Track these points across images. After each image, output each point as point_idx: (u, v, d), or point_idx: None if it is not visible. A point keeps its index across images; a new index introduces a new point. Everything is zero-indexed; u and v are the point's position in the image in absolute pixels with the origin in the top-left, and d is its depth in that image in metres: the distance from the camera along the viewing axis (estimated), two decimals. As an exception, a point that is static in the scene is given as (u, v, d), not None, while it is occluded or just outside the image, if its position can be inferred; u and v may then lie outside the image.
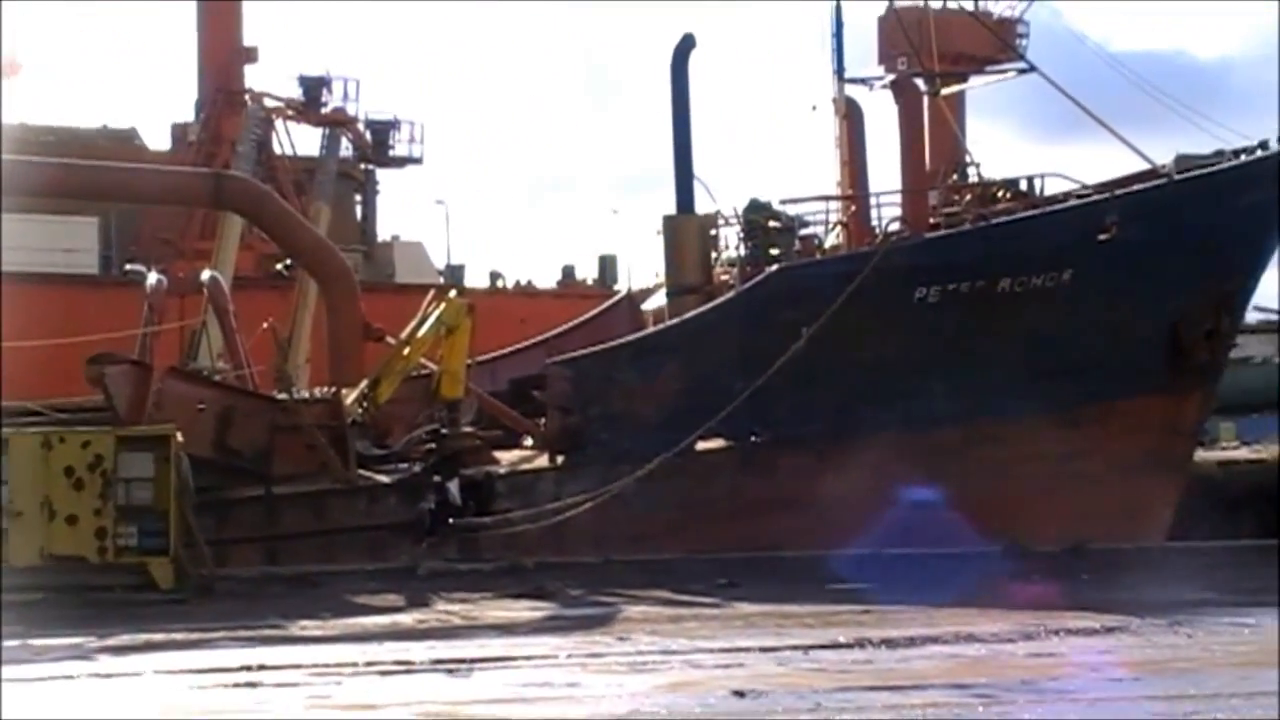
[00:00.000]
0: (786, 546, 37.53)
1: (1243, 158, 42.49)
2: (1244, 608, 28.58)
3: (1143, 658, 22.81)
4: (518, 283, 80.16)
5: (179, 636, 25.95)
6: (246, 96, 70.61)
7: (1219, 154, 42.79)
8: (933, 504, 37.50)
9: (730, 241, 44.33)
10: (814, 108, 49.85)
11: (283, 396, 40.86)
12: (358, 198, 76.39)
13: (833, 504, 39.10)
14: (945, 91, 62.25)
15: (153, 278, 45.10)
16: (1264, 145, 42.48)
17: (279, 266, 61.14)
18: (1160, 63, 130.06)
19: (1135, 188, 42.13)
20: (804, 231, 45.02)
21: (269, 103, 70.10)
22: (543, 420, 41.85)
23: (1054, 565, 34.73)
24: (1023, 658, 22.99)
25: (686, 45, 44.99)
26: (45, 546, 32.74)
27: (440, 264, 79.18)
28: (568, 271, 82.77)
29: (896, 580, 32.02)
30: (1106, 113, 44.20)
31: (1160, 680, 20.54)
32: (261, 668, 22.28)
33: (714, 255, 44.21)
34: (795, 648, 23.76)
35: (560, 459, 40.77)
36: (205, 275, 46.18)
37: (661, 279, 45.10)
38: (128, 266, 59.86)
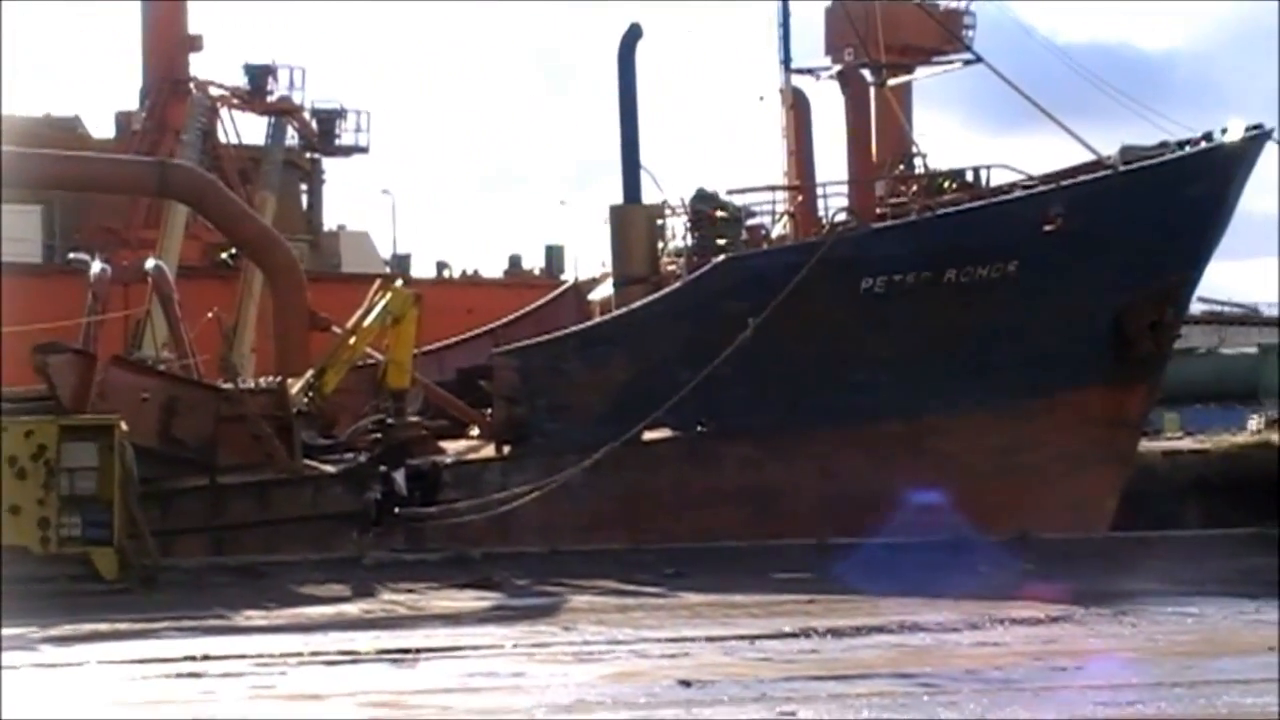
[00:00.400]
0: (733, 537, 37.59)
1: (1187, 149, 42.67)
2: (1188, 597, 28.76)
3: (1086, 646, 22.92)
4: (464, 273, 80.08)
5: (123, 627, 25.87)
6: (191, 85, 70.42)
7: (1163, 145, 42.98)
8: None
9: (677, 231, 44.34)
10: (761, 98, 49.97)
11: (228, 386, 40.75)
12: (303, 187, 76.23)
13: (779, 494, 39.27)
14: (892, 82, 62.41)
15: (97, 266, 44.92)
16: (1208, 137, 42.67)
17: (224, 256, 60.95)
18: (1107, 55, 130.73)
19: (1080, 179, 42.27)
20: (751, 222, 45.02)
21: (214, 91, 69.95)
22: (489, 410, 41.82)
23: (1000, 555, 34.85)
24: (967, 647, 23.08)
25: (633, 35, 45.04)
26: (-12, 536, 32.64)
27: (386, 254, 79.16)
28: (515, 261, 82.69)
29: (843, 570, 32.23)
30: (1054, 104, 44.40)
31: (1104, 669, 20.61)
32: (206, 658, 22.23)
33: (661, 245, 44.24)
34: (741, 637, 23.81)
35: (506, 449, 40.75)
36: (150, 264, 45.99)
37: (608, 269, 45.13)
38: (71, 255, 59.56)
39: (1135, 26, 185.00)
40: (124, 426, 33.91)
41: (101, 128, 73.66)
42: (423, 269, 77.48)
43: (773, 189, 46.42)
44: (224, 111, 69.88)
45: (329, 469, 38.89)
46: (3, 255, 58.01)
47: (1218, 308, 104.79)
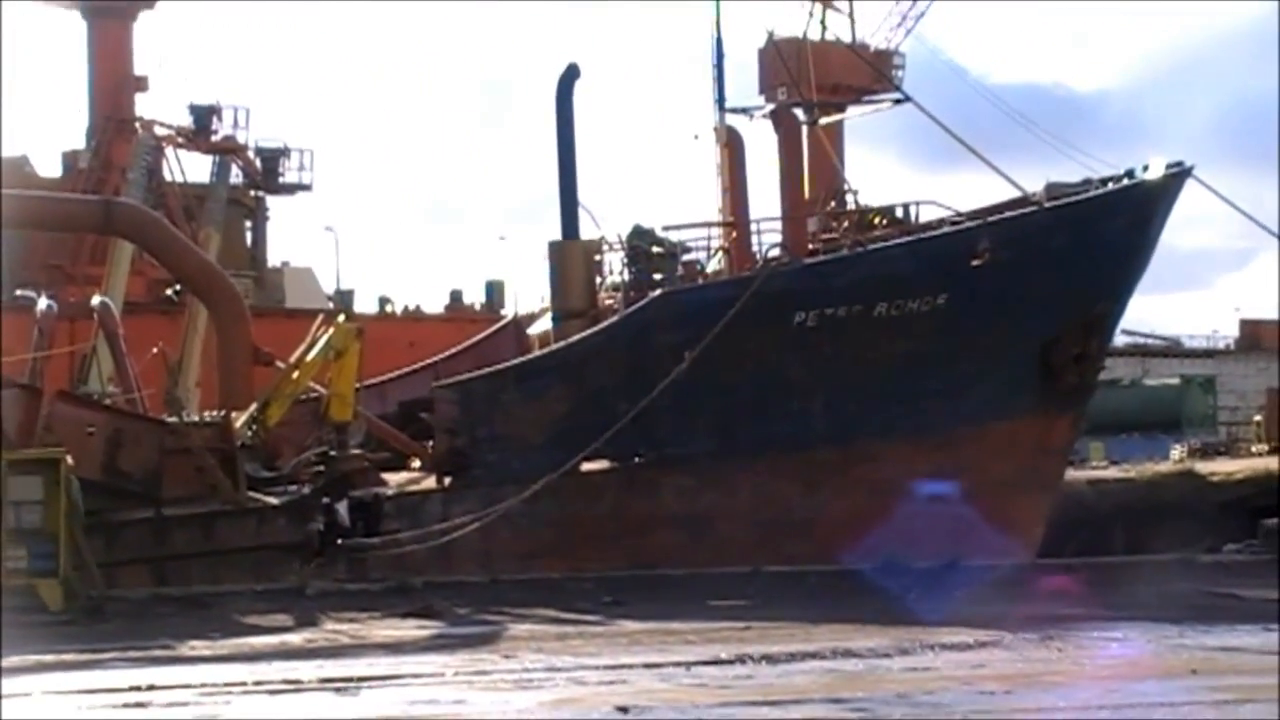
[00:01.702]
0: (670, 564, 37.58)
1: (1110, 185, 42.89)
2: (1113, 622, 28.82)
3: (1014, 671, 22.95)
4: (406, 308, 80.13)
5: (69, 657, 25.72)
6: (137, 124, 70.33)
7: (1087, 182, 43.18)
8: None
9: (614, 267, 44.36)
10: (696, 136, 50.03)
11: (172, 420, 40.71)
12: (248, 224, 76.16)
13: (714, 521, 39.28)
14: (824, 121, 62.62)
15: (43, 303, 44.83)
16: (1130, 174, 42.91)
17: (169, 291, 60.76)
18: (1040, 95, 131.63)
19: (1006, 215, 42.44)
20: (686, 257, 45.05)
21: (159, 130, 69.81)
22: (430, 442, 41.78)
23: (930, 579, 34.90)
24: (898, 672, 23.08)
25: (571, 75, 45.10)
26: (-66, 569, 32.47)
27: (330, 289, 79.07)
28: (456, 296, 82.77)
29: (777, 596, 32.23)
30: (983, 142, 44.59)
31: (1031, 693, 20.66)
32: (151, 688, 22.13)
33: (598, 280, 44.25)
34: (678, 664, 23.77)
35: (447, 480, 40.72)
36: (96, 300, 45.92)
37: (547, 303, 45.17)
38: (18, 291, 59.38)
39: (1068, 67, 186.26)
40: (70, 460, 33.77)
41: (49, 166, 73.58)
42: (365, 304, 77.60)
43: (708, 225, 46.46)
44: (169, 150, 69.78)
45: (272, 500, 38.79)
46: None
47: (1141, 340, 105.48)
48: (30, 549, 32.86)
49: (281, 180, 76.92)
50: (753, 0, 73.84)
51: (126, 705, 20.77)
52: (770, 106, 63.68)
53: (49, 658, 25.72)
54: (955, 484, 38.60)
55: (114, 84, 73.75)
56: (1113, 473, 62.10)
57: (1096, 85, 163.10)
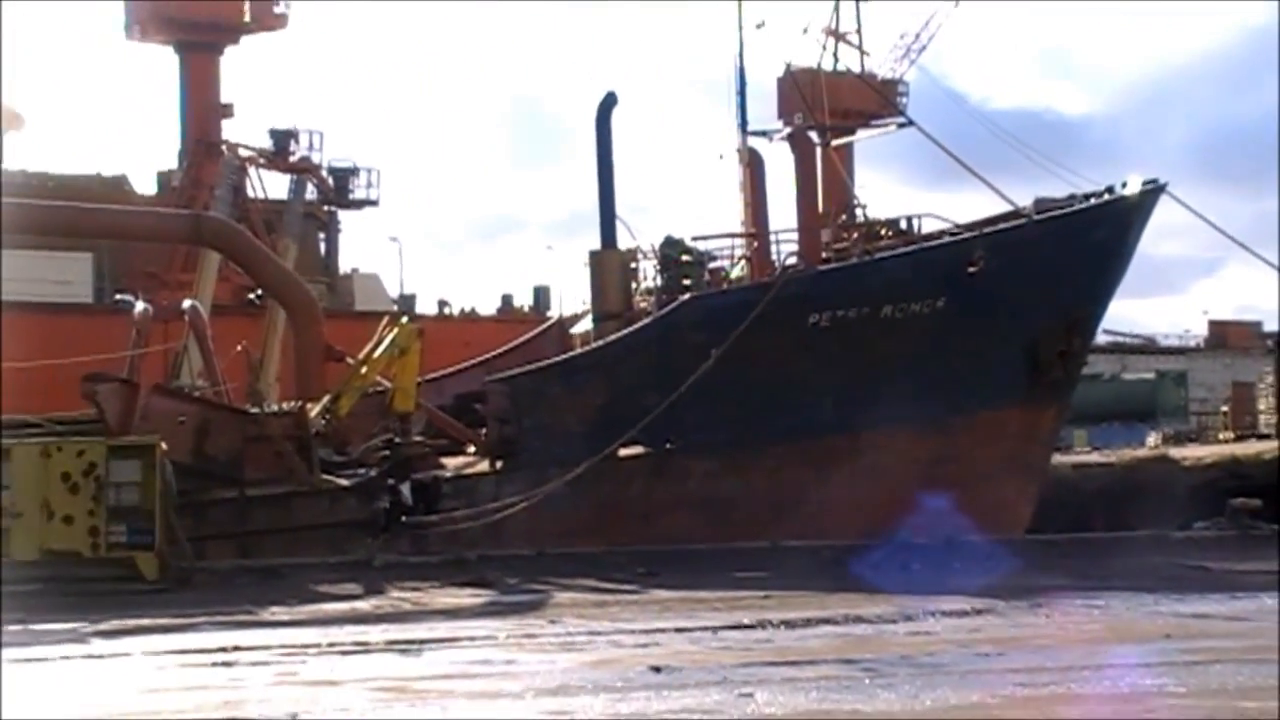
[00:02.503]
0: (696, 540, 37.55)
1: (1092, 200, 42.85)
2: (1095, 592, 28.78)
3: (1007, 635, 22.92)
4: (462, 310, 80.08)
5: (163, 622, 25.81)
6: (223, 147, 70.33)
7: (1072, 198, 43.14)
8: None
9: (648, 273, 44.40)
10: (721, 156, 50.13)
11: (254, 410, 40.71)
12: (321, 235, 76.18)
13: (736, 502, 39.25)
14: (836, 143, 62.65)
15: (140, 306, 44.81)
16: (1110, 190, 42.88)
17: (251, 296, 60.86)
18: (1031, 119, 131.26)
19: (999, 227, 42.39)
20: (713, 265, 45.12)
21: (243, 152, 69.72)
22: (483, 430, 41.78)
23: (930, 554, 34.85)
24: (903, 636, 23.06)
25: (609, 103, 45.11)
26: (44, 543, 32.60)
27: (394, 293, 79.06)
28: (506, 300, 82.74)
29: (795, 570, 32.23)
30: (979, 162, 44.58)
31: (1022, 655, 20.63)
32: (236, 649, 22.17)
33: (634, 285, 44.28)
34: (705, 629, 23.78)
35: (498, 464, 40.70)
36: (186, 304, 45.95)
37: (588, 306, 45.12)
38: (118, 296, 59.43)
39: (1058, 94, 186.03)
40: (163, 446, 33.88)
41: (145, 185, 73.70)
42: (426, 307, 77.51)
43: (731, 236, 46.54)
44: (252, 170, 69.65)
45: (343, 482, 38.80)
46: (17, 296, 57.82)
47: (1120, 338, 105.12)
48: (129, 525, 32.97)
49: (351, 197, 76.96)
50: (772, 34, 73.52)
51: (215, 664, 20.83)
52: (788, 130, 63.81)
53: (146, 621, 25.83)
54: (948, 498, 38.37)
55: (203, 111, 73.87)
56: (1094, 458, 61.99)
57: (1082, 110, 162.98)
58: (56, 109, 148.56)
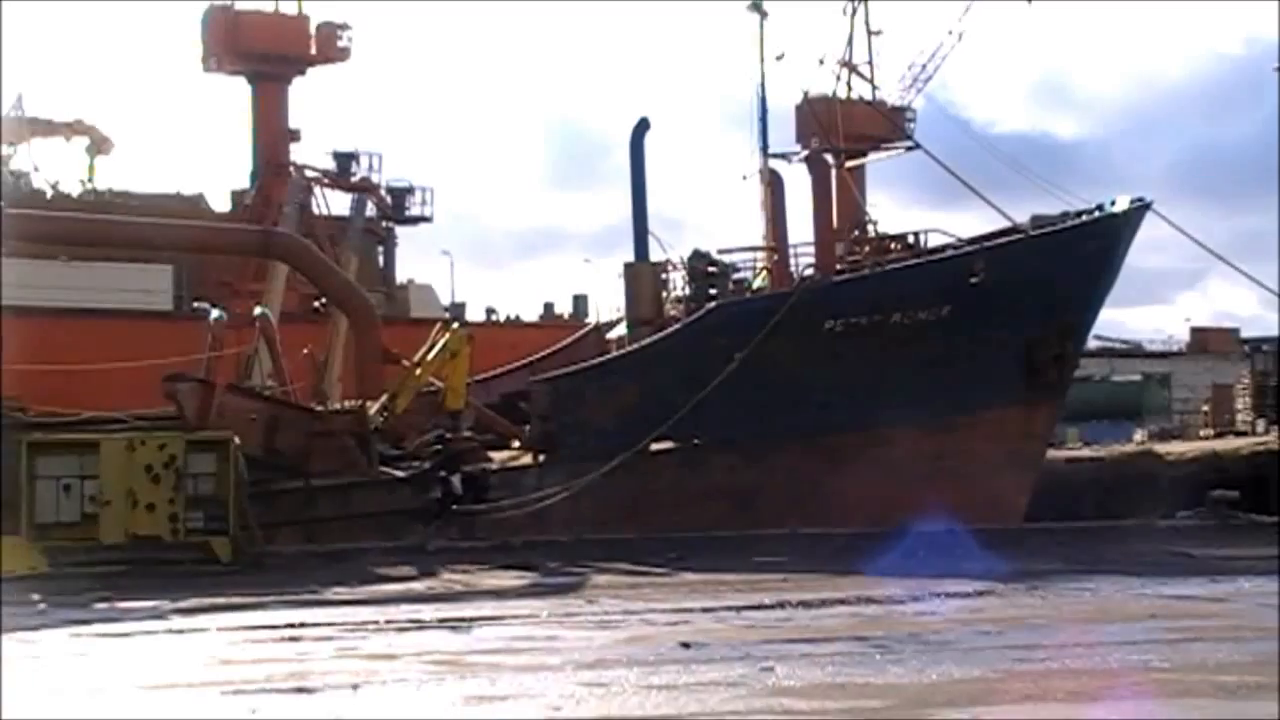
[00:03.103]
0: (721, 527, 37.53)
1: (1083, 217, 42.77)
2: (1086, 575, 28.70)
3: (1006, 615, 22.86)
4: (508, 317, 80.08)
5: (236, 600, 25.86)
6: (291, 169, 70.49)
7: (1065, 214, 43.06)
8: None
9: (677, 283, 44.42)
10: (744, 177, 50.12)
11: (319, 408, 40.86)
12: (380, 249, 76.11)
13: (757, 493, 39.22)
14: (849, 164, 62.64)
15: (215, 313, 44.98)
16: (1100, 208, 42.81)
17: (316, 304, 60.81)
18: (1028, 142, 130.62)
19: (998, 241, 42.35)
20: (737, 276, 45.12)
21: (309, 174, 70.00)
22: (527, 427, 41.83)
23: (935, 541, 34.76)
24: (911, 615, 23.02)
25: (641, 128, 45.21)
26: (129, 528, 32.71)
27: (446, 302, 79.05)
28: (548, 307, 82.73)
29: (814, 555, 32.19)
30: (983, 182, 44.59)
31: (1020, 633, 20.59)
32: (302, 625, 22.23)
33: (664, 294, 44.31)
34: (730, 608, 23.75)
35: (540, 458, 40.76)
36: (257, 311, 46.05)
37: (622, 313, 45.19)
38: (195, 304, 59.57)
39: (1053, 119, 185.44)
40: (236, 440, 33.98)
41: (220, 203, 73.83)
42: (475, 314, 77.47)
43: (754, 249, 46.53)
44: (317, 189, 69.91)
45: (399, 474, 38.86)
46: (106, 304, 57.95)
47: (1109, 343, 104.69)
48: (205, 512, 33.07)
49: (407, 213, 76.91)
50: (791, 66, 73.45)
51: (283, 639, 20.87)
52: (805, 153, 63.73)
53: (220, 600, 25.88)
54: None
55: (272, 136, 73.94)
56: (1085, 453, 61.75)
57: (1075, 135, 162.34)
58: (141, 134, 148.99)
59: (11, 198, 53.50)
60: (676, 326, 42.01)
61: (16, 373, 40.19)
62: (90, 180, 73.14)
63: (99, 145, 74.82)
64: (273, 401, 40.47)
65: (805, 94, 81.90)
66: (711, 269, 44.52)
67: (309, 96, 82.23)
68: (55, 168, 73.43)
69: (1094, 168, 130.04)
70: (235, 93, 76.11)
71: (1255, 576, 28.14)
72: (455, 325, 42.94)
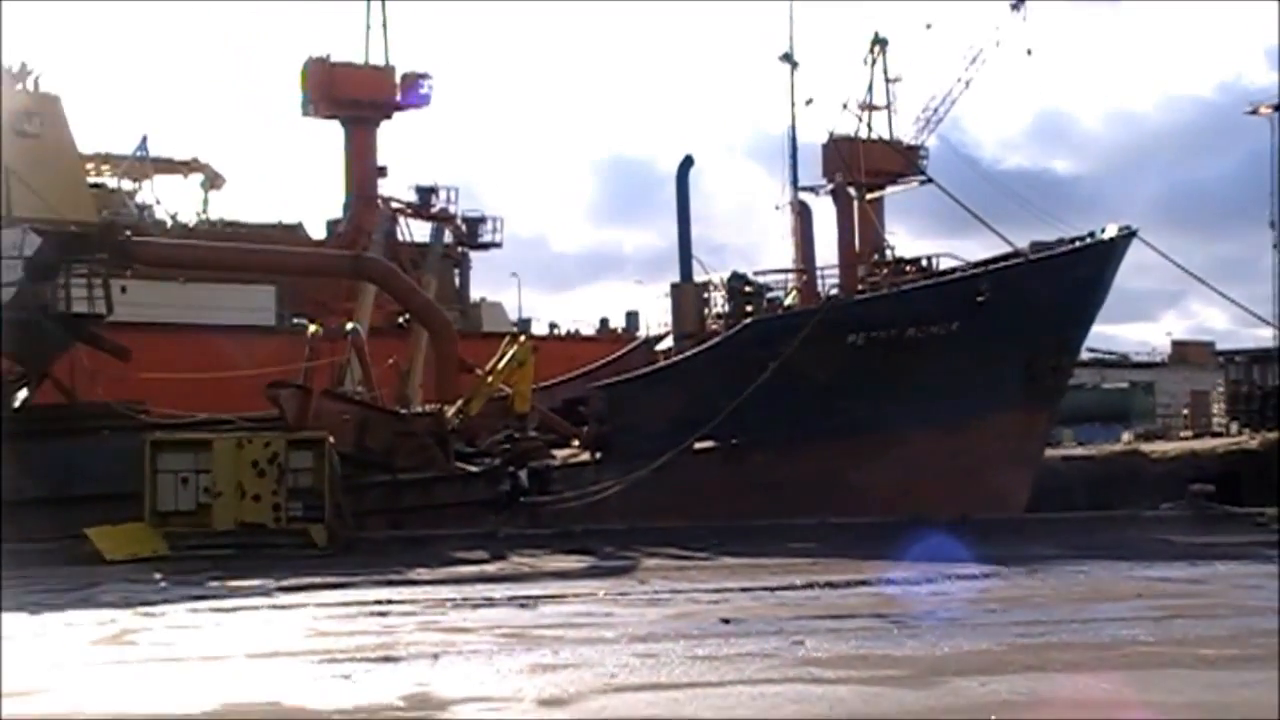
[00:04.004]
0: (757, 518, 37.45)
1: (1076, 244, 42.59)
2: (1081, 560, 28.57)
3: (1010, 595, 22.79)
4: (568, 331, 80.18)
5: (330, 579, 26.00)
6: (379, 201, 70.67)
7: (1060, 241, 42.88)
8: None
9: (718, 301, 44.39)
10: (777, 207, 50.31)
11: (403, 411, 40.97)
12: (456, 271, 76.33)
13: (788, 487, 39.11)
14: (869, 196, 62.55)
15: (312, 328, 45.17)
16: (1091, 235, 42.60)
17: (400, 320, 60.99)
18: (1030, 177, 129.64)
19: (1002, 264, 42.18)
20: (770, 294, 45.06)
21: (395, 205, 69.95)
22: (585, 428, 41.85)
23: (947, 530, 34.64)
24: (925, 595, 22.96)
25: (687, 164, 45.27)
26: (238, 517, 32.93)
27: (514, 318, 79.21)
28: (604, 322, 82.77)
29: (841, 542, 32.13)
30: (989, 213, 44.42)
31: (1022, 611, 20.52)
32: (389, 602, 22.32)
33: (706, 311, 44.27)
34: (765, 588, 23.75)
35: (597, 455, 40.74)
36: (349, 326, 46.20)
37: (669, 328, 45.17)
38: (295, 320, 59.86)
39: (1054, 157, 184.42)
40: (331, 439, 34.14)
41: (317, 231, 74.20)
42: (539, 329, 77.57)
43: (785, 271, 46.53)
44: (401, 219, 70.04)
45: (473, 469, 38.93)
46: (215, 319, 58.13)
47: (1100, 355, 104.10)
48: (304, 502, 33.26)
49: (480, 240, 77.13)
50: (818, 109, 73.43)
51: (371, 614, 20.97)
52: (831, 186, 63.59)
53: (317, 579, 26.01)
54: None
55: (363, 172, 74.26)
56: (1079, 452, 61.39)
57: (1072, 171, 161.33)
58: (249, 170, 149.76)
59: (138, 228, 53.79)
60: (717, 339, 41.96)
61: (143, 379, 40.52)
62: (204, 211, 73.63)
63: (212, 181, 75.26)
64: (363, 405, 40.62)
65: (831, 134, 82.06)
66: (748, 289, 44.48)
67: (395, 137, 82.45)
68: (174, 201, 74.03)
69: (1087, 200, 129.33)
70: (330, 134, 76.58)
71: (1230, 561, 28.01)
72: (522, 338, 42.97)
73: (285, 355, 43.96)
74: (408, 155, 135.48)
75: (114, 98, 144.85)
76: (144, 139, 75.46)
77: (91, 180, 69.74)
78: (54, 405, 38.02)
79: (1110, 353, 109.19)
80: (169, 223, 69.34)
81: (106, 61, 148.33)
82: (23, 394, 38.27)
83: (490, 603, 22.25)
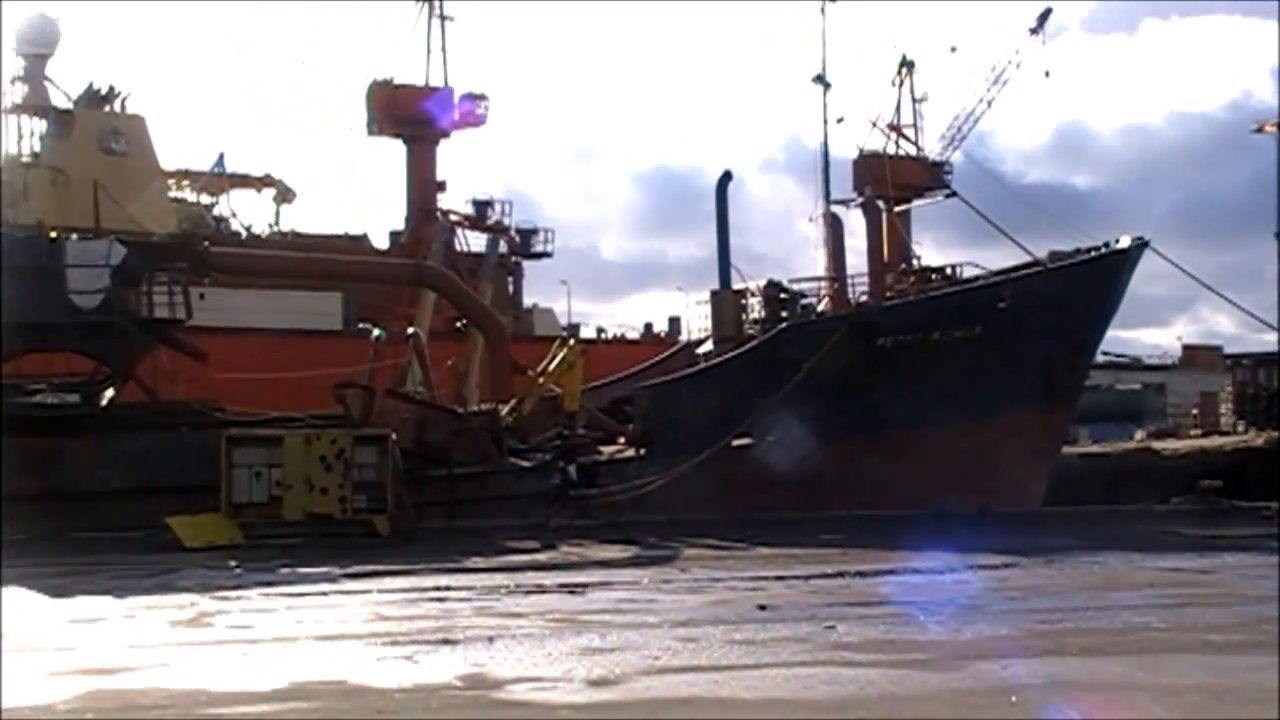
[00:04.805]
0: (791, 510, 37.43)
1: (1092, 254, 42.41)
2: (1095, 551, 28.41)
3: (1029, 583, 22.69)
4: (615, 335, 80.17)
5: (393, 567, 26.04)
6: (438, 214, 70.92)
7: (1077, 251, 42.72)
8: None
9: (755, 307, 44.38)
10: (810, 219, 50.09)
11: (460, 410, 41.05)
12: (510, 279, 76.43)
13: (820, 481, 39.07)
14: (897, 209, 62.30)
15: (376, 332, 45.33)
16: (1107, 245, 42.41)
17: (458, 324, 61.18)
18: (1051, 191, 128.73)
19: (1022, 272, 42.05)
20: (804, 301, 45.01)
21: (453, 218, 70.36)
22: (630, 425, 41.89)
23: (969, 522, 34.54)
24: (949, 584, 22.89)
25: (725, 180, 45.29)
26: (306, 508, 33.04)
27: (564, 323, 79.26)
28: (648, 327, 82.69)
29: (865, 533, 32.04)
30: (1009, 224, 44.39)
31: (1040, 599, 20.43)
32: (447, 588, 22.36)
33: (744, 317, 44.25)
34: (798, 577, 23.70)
35: (642, 451, 40.77)
36: (410, 330, 46.37)
37: (709, 332, 45.16)
38: (360, 325, 60.03)
39: (1074, 171, 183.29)
40: (393, 436, 34.23)
41: (381, 241, 74.40)
42: (588, 333, 77.58)
43: (818, 279, 46.43)
44: (459, 231, 70.30)
45: (525, 464, 39.01)
46: (287, 325, 58.33)
47: (1114, 358, 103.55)
48: (368, 495, 33.34)
49: (532, 250, 77.26)
50: (849, 127, 73.23)
51: (431, 599, 21.00)
52: (861, 199, 63.31)
53: (380, 566, 26.06)
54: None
55: (423, 187, 74.36)
56: (1094, 449, 61.13)
57: (1090, 185, 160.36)
58: (317, 185, 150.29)
59: (215, 238, 54.13)
60: (754, 343, 41.94)
61: (219, 380, 40.73)
62: (276, 224, 73.97)
63: (284, 195, 75.61)
64: (422, 404, 40.75)
65: (861, 151, 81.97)
66: (783, 295, 44.43)
67: (454, 154, 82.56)
68: (249, 214, 74.41)
69: (1103, 213, 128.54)
70: (393, 152, 76.74)
71: (1237, 552, 27.81)
72: (571, 342, 43.05)
73: (351, 357, 44.13)
74: (465, 170, 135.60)
75: (194, 118, 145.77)
76: (221, 156, 76.07)
77: (172, 195, 70.40)
78: (137, 403, 38.27)
79: (1124, 356, 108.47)
80: (244, 234, 69.70)
81: (188, 84, 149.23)
82: (109, 393, 38.56)
83: (541, 589, 22.27)
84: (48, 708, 12.64)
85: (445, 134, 75.53)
